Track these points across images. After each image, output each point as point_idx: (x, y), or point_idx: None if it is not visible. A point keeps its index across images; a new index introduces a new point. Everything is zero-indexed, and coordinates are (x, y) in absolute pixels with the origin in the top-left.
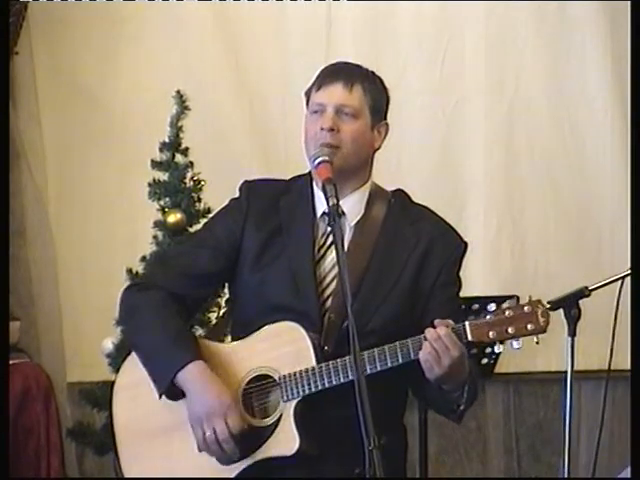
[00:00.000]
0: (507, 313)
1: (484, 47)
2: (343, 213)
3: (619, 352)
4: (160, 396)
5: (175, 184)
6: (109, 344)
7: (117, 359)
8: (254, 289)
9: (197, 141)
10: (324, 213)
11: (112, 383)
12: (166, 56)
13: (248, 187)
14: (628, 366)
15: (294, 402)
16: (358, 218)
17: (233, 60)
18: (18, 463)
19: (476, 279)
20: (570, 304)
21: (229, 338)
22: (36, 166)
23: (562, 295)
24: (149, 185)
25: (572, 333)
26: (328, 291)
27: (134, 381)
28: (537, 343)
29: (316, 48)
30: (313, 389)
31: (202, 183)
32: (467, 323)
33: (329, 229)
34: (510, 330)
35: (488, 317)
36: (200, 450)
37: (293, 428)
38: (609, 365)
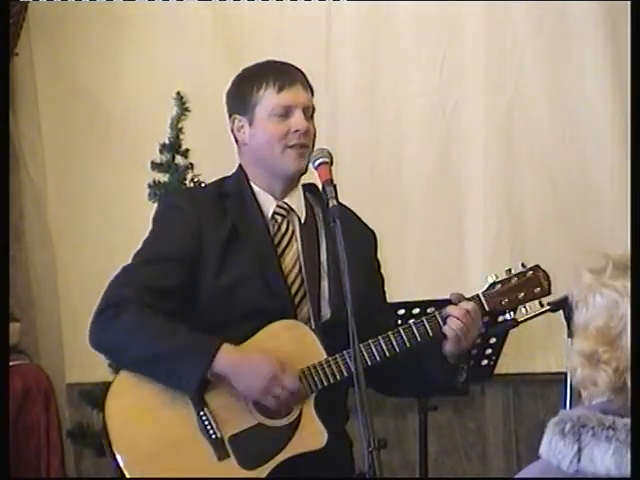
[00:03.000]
0: (513, 281)
1: (484, 47)
2: (332, 212)
3: None
4: (196, 392)
5: (175, 186)
6: None
7: None
8: (220, 295)
9: (197, 143)
10: (275, 213)
11: (103, 407)
12: (166, 57)
13: (184, 196)
14: None
15: (312, 396)
16: (304, 215)
17: (233, 61)
18: (18, 464)
19: (476, 279)
20: (570, 305)
21: None
22: (35, 168)
23: (562, 296)
24: (149, 186)
25: (572, 334)
26: (295, 287)
27: (125, 405)
28: (541, 305)
29: (316, 48)
30: (331, 380)
31: (202, 185)
32: (480, 294)
33: (283, 229)
34: (520, 296)
35: (497, 287)
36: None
37: (318, 422)
38: None
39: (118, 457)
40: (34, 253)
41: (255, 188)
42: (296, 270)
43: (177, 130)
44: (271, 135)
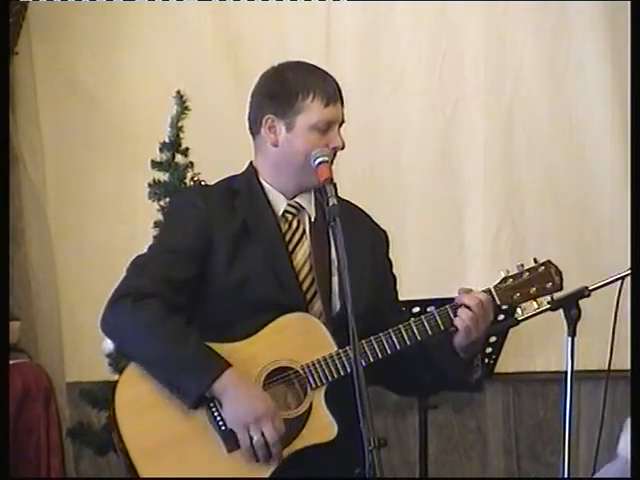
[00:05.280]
0: (525, 276)
1: (483, 47)
2: (331, 210)
3: (619, 352)
4: (190, 407)
5: (175, 184)
6: (109, 344)
7: (117, 359)
8: (231, 289)
9: (197, 141)
10: (286, 211)
11: (112, 397)
12: (166, 56)
13: (197, 193)
14: (628, 366)
15: (323, 389)
16: (314, 214)
17: (233, 60)
18: (18, 463)
19: (476, 279)
20: (570, 304)
21: None
22: (34, 166)
23: (562, 295)
24: (149, 185)
25: (572, 333)
26: (307, 283)
27: (136, 395)
28: (549, 303)
29: (316, 49)
30: (342, 373)
31: (202, 183)
32: (492, 288)
33: (294, 226)
34: (532, 291)
35: (509, 282)
36: (228, 452)
37: (328, 414)
38: (609, 365)
39: (127, 447)
40: (33, 252)
41: (266, 186)
42: (307, 267)
43: (177, 129)
44: (311, 148)
